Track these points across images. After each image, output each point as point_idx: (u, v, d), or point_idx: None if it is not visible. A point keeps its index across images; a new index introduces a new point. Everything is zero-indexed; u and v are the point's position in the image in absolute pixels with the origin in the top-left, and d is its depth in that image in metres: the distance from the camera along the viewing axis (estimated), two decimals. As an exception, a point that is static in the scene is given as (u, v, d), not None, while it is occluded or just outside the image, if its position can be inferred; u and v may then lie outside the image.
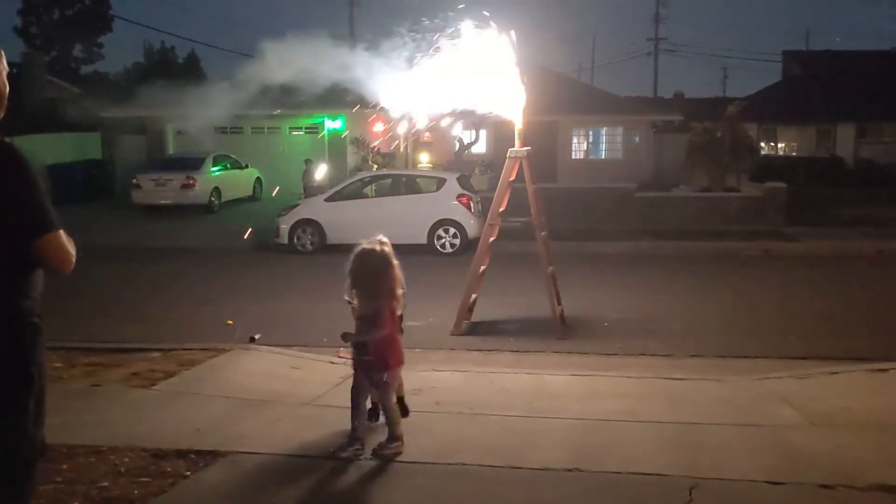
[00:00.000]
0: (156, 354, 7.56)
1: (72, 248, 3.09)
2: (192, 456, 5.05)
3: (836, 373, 7.10)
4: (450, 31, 8.00)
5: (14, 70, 37.69)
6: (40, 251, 3.00)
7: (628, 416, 5.94)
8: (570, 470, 4.87)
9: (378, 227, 14.67)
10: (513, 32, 8.34)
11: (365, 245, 5.05)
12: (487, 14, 8.12)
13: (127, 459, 4.98)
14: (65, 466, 4.84)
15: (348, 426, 5.71)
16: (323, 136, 27.29)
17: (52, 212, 3.01)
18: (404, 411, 5.62)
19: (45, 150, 24.00)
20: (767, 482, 4.69)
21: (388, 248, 5.04)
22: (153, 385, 6.55)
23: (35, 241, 2.96)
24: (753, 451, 5.26)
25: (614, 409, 6.09)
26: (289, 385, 6.77)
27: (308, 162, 22.65)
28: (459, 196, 15.90)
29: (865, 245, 16.00)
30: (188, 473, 4.81)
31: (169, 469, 4.85)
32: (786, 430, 5.67)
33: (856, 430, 5.61)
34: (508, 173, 9.11)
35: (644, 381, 7.05)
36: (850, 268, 14.09)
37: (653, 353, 8.41)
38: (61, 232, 3.03)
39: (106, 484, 4.61)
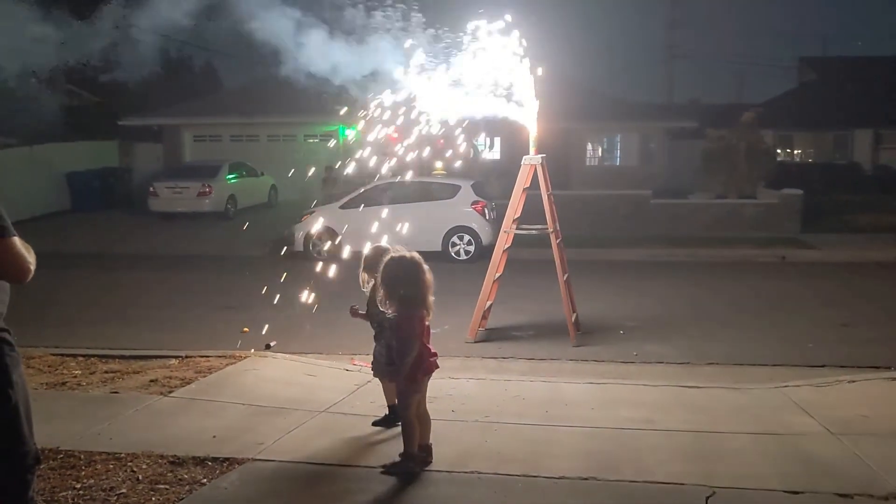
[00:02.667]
0: (173, 361, 7.62)
1: (30, 256, 3.07)
2: (209, 463, 5.09)
3: (855, 381, 7.05)
4: (467, 36, 8.02)
5: (33, 78, 38.20)
6: None
7: (644, 425, 5.92)
8: (585, 479, 4.86)
9: (393, 234, 14.68)
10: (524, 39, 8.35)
11: (393, 252, 5.06)
12: (507, 20, 8.13)
13: (145, 466, 5.02)
14: (83, 473, 4.90)
15: (363, 433, 5.75)
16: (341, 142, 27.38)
17: (5, 219, 2.98)
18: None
19: (63, 158, 24.30)
20: (785, 491, 4.68)
21: (417, 255, 5.06)
22: (171, 392, 6.60)
23: None
24: (771, 459, 5.24)
25: (630, 418, 6.08)
26: (305, 392, 6.79)
27: (328, 169, 22.70)
28: (474, 203, 15.92)
29: (883, 252, 15.87)
30: (205, 481, 4.84)
31: (186, 476, 4.89)
32: (803, 438, 5.64)
33: (874, 439, 5.56)
34: (523, 180, 9.11)
35: (660, 389, 7.03)
36: (868, 275, 13.98)
37: (669, 361, 8.38)
38: (16, 239, 3.01)
39: (124, 491, 4.66)
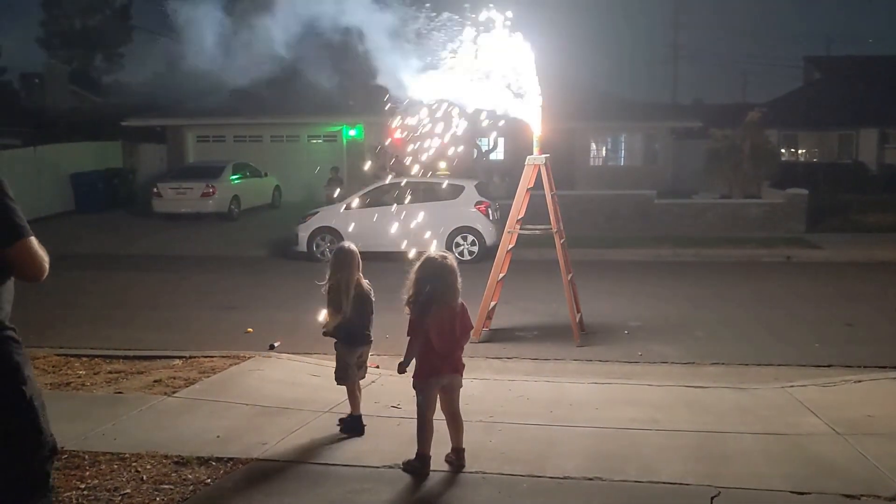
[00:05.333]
0: (177, 362, 7.63)
1: (45, 255, 3.09)
2: (213, 463, 5.10)
3: (861, 381, 7.04)
4: (471, 33, 8.00)
5: (36, 80, 38.33)
6: (13, 259, 2.99)
7: (649, 425, 5.91)
8: (590, 479, 4.85)
9: (396, 234, 14.60)
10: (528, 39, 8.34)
11: (430, 253, 5.07)
12: (510, 18, 8.11)
13: (149, 466, 5.03)
14: (88, 473, 4.90)
15: (367, 433, 5.74)
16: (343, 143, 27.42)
17: (23, 218, 2.99)
18: (359, 430, 5.73)
19: (66, 159, 24.35)
20: (790, 492, 4.66)
21: (450, 259, 5.05)
22: (175, 392, 6.61)
23: (7, 249, 2.95)
24: (776, 459, 5.22)
25: (635, 418, 6.07)
26: (309, 392, 6.79)
27: (334, 170, 22.65)
28: (478, 203, 15.91)
29: (889, 251, 15.82)
30: (209, 481, 4.84)
31: (190, 476, 4.89)
32: (809, 438, 5.62)
33: (880, 439, 5.54)
34: (527, 180, 9.10)
35: (665, 389, 7.02)
36: (874, 274, 13.95)
37: (674, 361, 8.36)
38: (33, 239, 3.03)
39: (128, 491, 4.66)
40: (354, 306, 5.64)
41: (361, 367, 5.86)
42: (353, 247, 5.81)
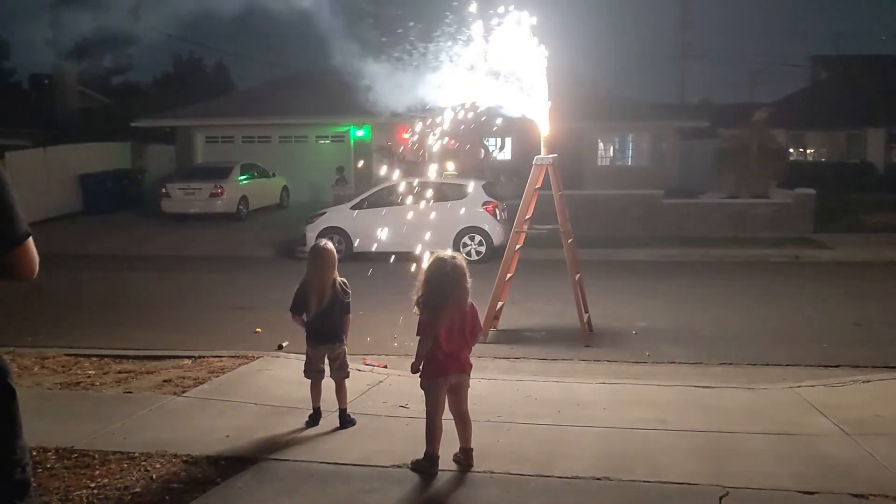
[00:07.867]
0: (186, 361, 7.66)
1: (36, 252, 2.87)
2: (223, 462, 5.12)
3: (869, 381, 7.01)
4: (480, 31, 8.00)
5: (46, 81, 38.46)
6: (14, 261, 2.75)
7: (657, 425, 5.91)
8: (598, 479, 4.85)
9: (404, 234, 14.59)
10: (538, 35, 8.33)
11: (439, 253, 5.07)
12: (523, 18, 8.11)
13: (158, 465, 5.05)
14: (98, 472, 4.93)
15: (375, 432, 5.76)
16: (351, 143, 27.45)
17: (23, 217, 2.75)
18: (348, 422, 5.86)
19: (75, 159, 24.48)
20: (799, 491, 4.65)
21: (460, 259, 5.05)
22: (184, 392, 6.64)
23: (14, 249, 2.71)
24: (785, 459, 5.21)
25: (643, 418, 6.06)
26: (317, 392, 6.80)
27: (340, 170, 22.67)
28: (485, 203, 15.91)
29: (897, 251, 15.77)
30: (219, 480, 4.86)
31: (200, 476, 4.91)
32: (817, 438, 5.61)
33: (889, 439, 5.53)
34: (534, 180, 9.10)
35: (673, 389, 7.01)
36: (882, 274, 13.89)
37: (682, 361, 8.34)
38: (31, 238, 2.80)
39: (138, 490, 4.68)
40: (325, 305, 5.74)
41: (342, 368, 5.95)
42: (329, 245, 5.92)
